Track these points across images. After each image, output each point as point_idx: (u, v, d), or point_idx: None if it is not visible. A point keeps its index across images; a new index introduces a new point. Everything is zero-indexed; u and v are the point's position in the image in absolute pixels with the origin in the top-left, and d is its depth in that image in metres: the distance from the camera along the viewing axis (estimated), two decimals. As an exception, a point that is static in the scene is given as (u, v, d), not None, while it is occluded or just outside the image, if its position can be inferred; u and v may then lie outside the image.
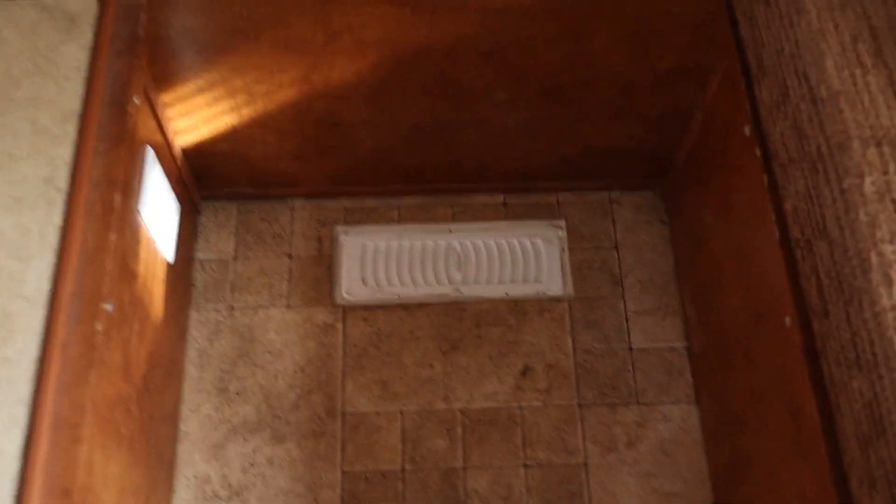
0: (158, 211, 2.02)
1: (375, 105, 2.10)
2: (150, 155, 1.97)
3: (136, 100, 1.78)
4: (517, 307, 2.33)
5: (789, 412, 1.67)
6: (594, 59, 1.98)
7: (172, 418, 2.16)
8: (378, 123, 2.17)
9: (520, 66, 2.00)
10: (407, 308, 2.33)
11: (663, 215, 2.45)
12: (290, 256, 2.39)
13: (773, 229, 1.63)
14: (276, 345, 2.28)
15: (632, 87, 2.09)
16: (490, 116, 2.17)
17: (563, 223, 2.44)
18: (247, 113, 2.12)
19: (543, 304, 2.33)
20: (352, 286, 2.35)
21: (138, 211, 1.88)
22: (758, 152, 1.69)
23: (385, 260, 2.39)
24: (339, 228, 2.43)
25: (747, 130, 1.74)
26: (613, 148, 2.32)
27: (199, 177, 2.36)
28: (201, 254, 2.39)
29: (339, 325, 2.31)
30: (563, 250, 2.40)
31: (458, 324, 2.31)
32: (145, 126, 1.95)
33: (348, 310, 2.33)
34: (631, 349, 2.28)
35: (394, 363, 2.26)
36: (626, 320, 2.31)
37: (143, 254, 1.92)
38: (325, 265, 2.38)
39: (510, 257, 2.39)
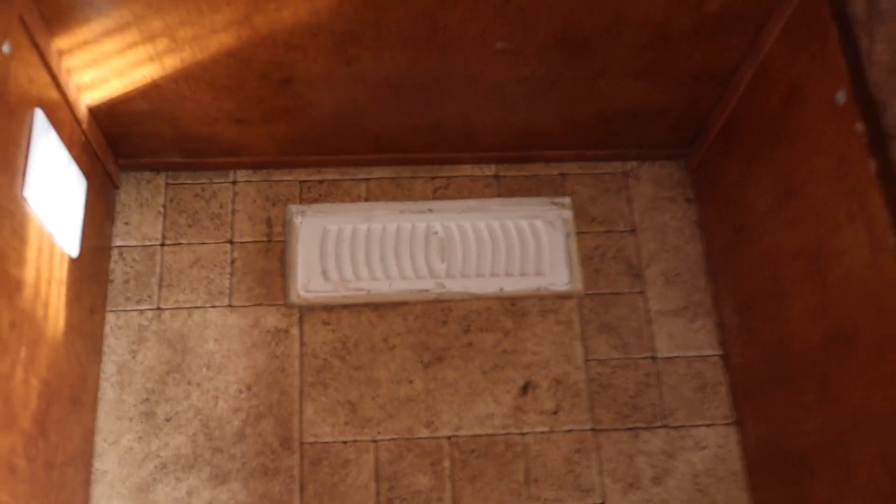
0: (55, 192, 1.53)
1: (339, 56, 1.63)
2: (41, 120, 1.48)
3: (6, 47, 1.29)
4: (515, 307, 1.89)
5: (890, 474, 1.27)
6: (625, 0, 1.53)
7: (83, 456, 1.70)
8: (342, 79, 1.70)
9: (528, 10, 1.54)
10: (378, 308, 1.88)
11: (689, 192, 2.02)
12: (231, 243, 1.92)
13: (887, 236, 1.20)
14: (216, 356, 1.82)
15: (667, 37, 1.64)
16: (484, 71, 1.71)
17: (568, 201, 1.99)
18: (170, 63, 1.63)
19: (546, 303, 1.90)
20: (310, 280, 1.89)
21: (23, 198, 1.40)
22: (860, 128, 1.26)
23: (351, 247, 1.93)
24: (294, 208, 1.96)
25: (841, 97, 1.30)
26: (633, 111, 1.87)
27: (113, 142, 1.88)
28: (120, 239, 1.90)
29: (295, 331, 1.85)
30: (568, 234, 1.96)
31: (442, 328, 1.86)
32: (33, 81, 1.46)
33: (306, 311, 1.87)
34: (655, 359, 1.86)
35: (364, 379, 1.82)
36: (649, 323, 1.89)
37: (31, 254, 1.44)
38: (276, 254, 1.91)
39: (504, 244, 1.95)
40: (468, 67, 1.69)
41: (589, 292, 1.91)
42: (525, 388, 1.83)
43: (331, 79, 1.70)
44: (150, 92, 1.71)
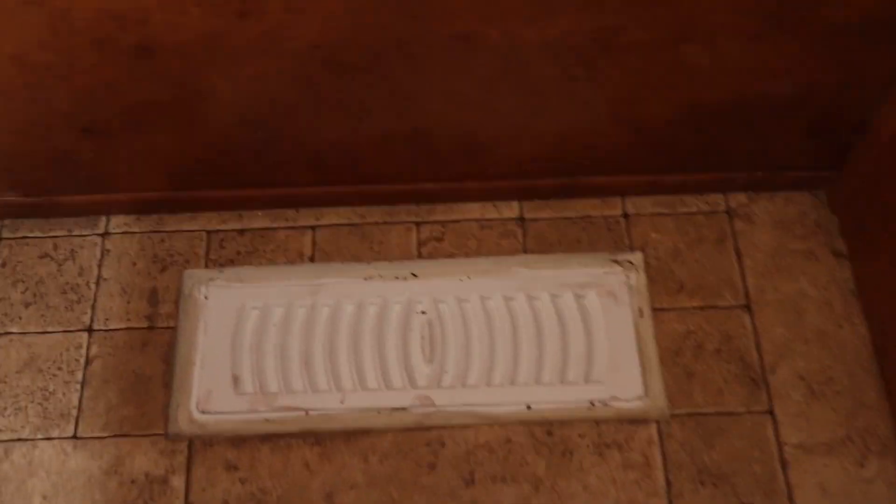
0: None
1: (224, 6, 0.91)
2: None
3: None
4: (552, 438, 1.12)
5: None
6: None
7: None
8: (240, 51, 0.98)
9: None
10: (322, 442, 1.12)
11: (837, 241, 1.24)
12: (90, 331, 1.19)
13: None
14: (41, 528, 1.08)
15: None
16: (487, 30, 0.97)
17: (638, 257, 1.23)
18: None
19: (606, 432, 1.12)
20: (212, 394, 1.15)
21: None
22: None
23: (282, 338, 1.18)
24: (195, 274, 1.23)
25: None
26: (745, 101, 1.10)
27: None
28: (-87, 328, 1.19)
29: (179, 481, 1.10)
30: (639, 314, 1.19)
31: (427, 476, 1.10)
32: None
33: (200, 446, 1.12)
34: (796, 531, 1.07)
35: (287, 570, 1.06)
36: (783, 466, 1.10)
37: None
38: (159, 350, 1.18)
39: (534, 331, 1.19)
40: (452, 25, 0.95)
41: (678, 412, 1.13)
42: (570, 587, 1.04)
43: (221, 49, 0.97)
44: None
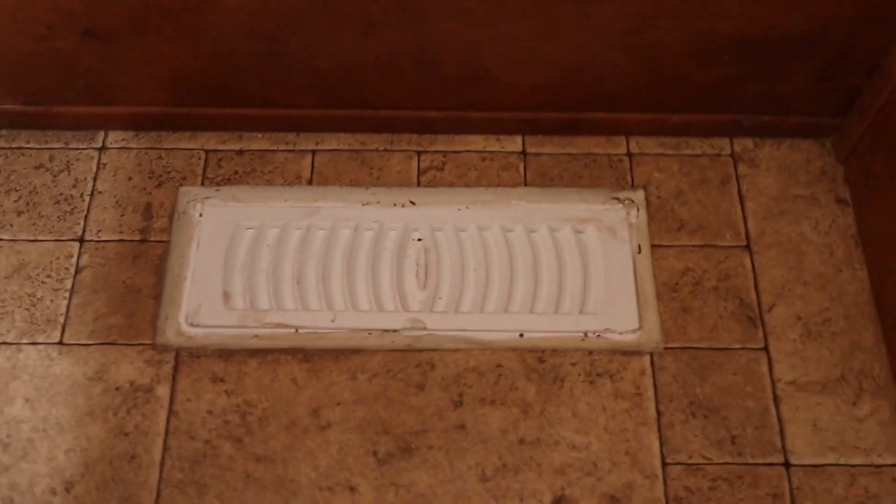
0: None
1: None
2: None
3: None
4: (543, 366, 1.10)
5: None
6: None
7: None
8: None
9: None
10: (310, 359, 1.11)
11: (840, 188, 1.22)
12: (82, 241, 1.18)
13: None
14: (23, 428, 1.06)
15: None
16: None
17: (639, 196, 1.22)
18: None
19: (599, 362, 1.11)
20: (202, 308, 1.13)
21: None
22: None
23: (275, 258, 1.17)
24: (191, 191, 1.22)
25: None
26: (753, 37, 1.09)
27: None
28: None
29: (164, 390, 1.09)
30: (638, 251, 1.17)
31: (415, 397, 1.08)
32: None
33: (187, 357, 1.11)
34: (787, 466, 1.05)
35: (271, 481, 1.04)
36: (775, 402, 1.08)
37: None
38: (151, 262, 1.17)
39: (532, 262, 1.17)
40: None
41: (672, 346, 1.12)
42: (555, 511, 1.03)
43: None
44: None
